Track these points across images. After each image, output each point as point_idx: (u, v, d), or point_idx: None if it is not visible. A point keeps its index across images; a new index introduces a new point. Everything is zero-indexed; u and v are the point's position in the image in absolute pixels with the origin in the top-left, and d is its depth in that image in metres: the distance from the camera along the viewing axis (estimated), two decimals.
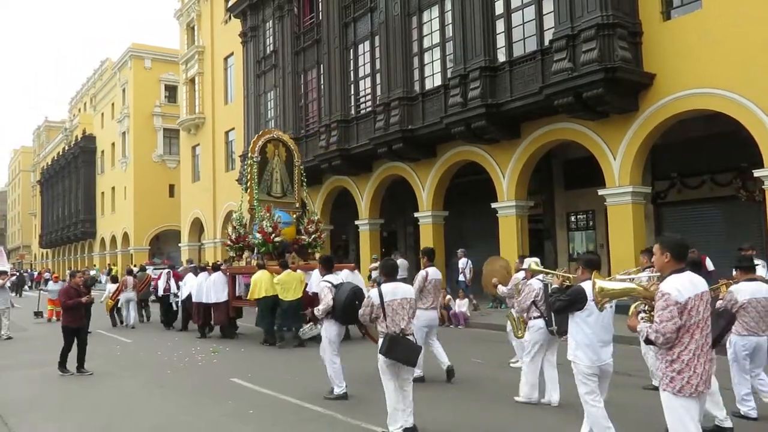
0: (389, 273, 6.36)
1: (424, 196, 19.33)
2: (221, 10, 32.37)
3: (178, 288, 16.30)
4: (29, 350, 13.29)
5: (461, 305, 15.09)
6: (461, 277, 17.16)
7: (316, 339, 8.28)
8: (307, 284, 12.61)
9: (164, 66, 44.25)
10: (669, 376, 3.82)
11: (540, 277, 7.27)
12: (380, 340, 6.00)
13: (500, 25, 15.69)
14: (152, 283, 17.86)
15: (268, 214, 14.31)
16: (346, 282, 8.07)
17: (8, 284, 18.53)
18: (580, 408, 5.44)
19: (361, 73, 20.91)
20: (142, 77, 44.13)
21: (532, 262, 7.58)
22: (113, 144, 48.24)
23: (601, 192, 14.60)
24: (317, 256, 13.89)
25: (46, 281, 30.72)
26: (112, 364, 10.94)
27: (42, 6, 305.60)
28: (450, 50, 17.09)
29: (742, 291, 6.28)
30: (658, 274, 4.18)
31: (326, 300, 7.56)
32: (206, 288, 14.12)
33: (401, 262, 17.41)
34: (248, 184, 15.17)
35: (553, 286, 5.82)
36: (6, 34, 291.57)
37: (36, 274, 44.86)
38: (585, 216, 19.01)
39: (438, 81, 17.60)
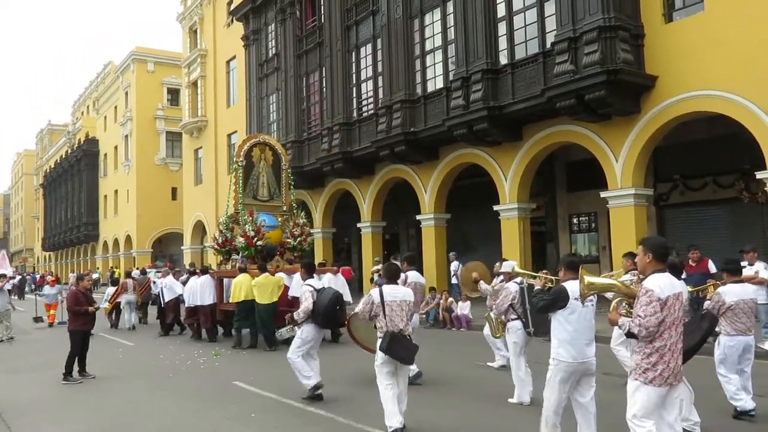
0: (391, 276, 6.54)
1: (427, 199, 19.33)
2: (224, 13, 32.45)
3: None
4: (32, 353, 13.26)
5: (463, 308, 15.09)
6: (454, 280, 17.20)
7: (289, 342, 8.34)
8: (288, 288, 12.72)
9: (167, 69, 44.32)
10: (643, 368, 4.08)
11: (518, 280, 7.58)
12: (379, 339, 6.14)
13: (502, 28, 15.72)
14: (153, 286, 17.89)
15: (250, 218, 14.52)
16: (327, 287, 8.24)
17: (8, 286, 18.55)
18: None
19: (363, 76, 20.94)
20: (144, 80, 44.21)
21: (515, 264, 8.03)
22: (116, 147, 48.34)
23: (603, 194, 14.59)
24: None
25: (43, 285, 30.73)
26: (114, 367, 10.95)
27: (42, 6, 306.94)
28: (452, 53, 17.10)
29: (730, 293, 6.41)
30: (641, 276, 4.50)
31: (306, 303, 7.64)
32: (193, 290, 14.18)
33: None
34: (233, 188, 15.42)
35: (536, 288, 5.97)
36: (6, 34, 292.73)
37: (39, 277, 44.91)
38: (587, 218, 19.01)
39: (440, 83, 17.62)
